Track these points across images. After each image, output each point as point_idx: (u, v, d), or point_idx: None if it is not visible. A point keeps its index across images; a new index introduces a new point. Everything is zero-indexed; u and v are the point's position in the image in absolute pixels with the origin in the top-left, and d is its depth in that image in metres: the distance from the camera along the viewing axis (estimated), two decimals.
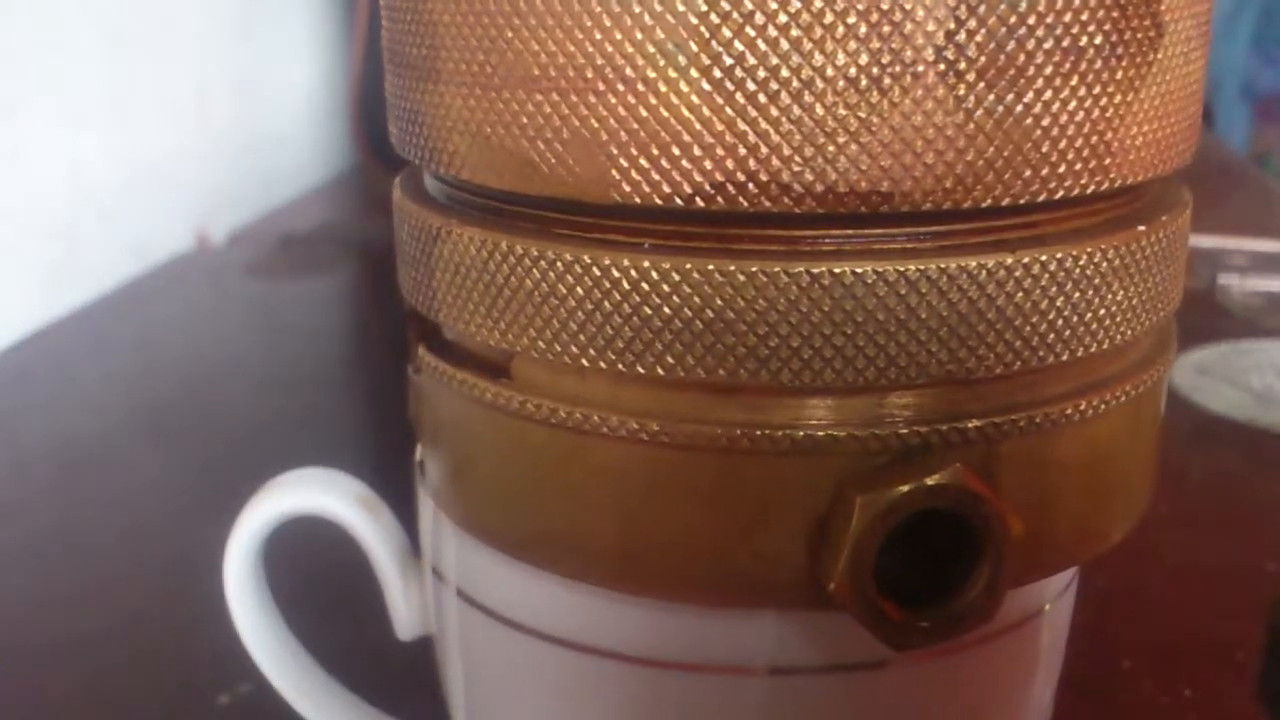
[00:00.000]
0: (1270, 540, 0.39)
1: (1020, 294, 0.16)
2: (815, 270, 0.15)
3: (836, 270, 0.15)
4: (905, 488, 0.15)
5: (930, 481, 0.15)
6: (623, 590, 0.18)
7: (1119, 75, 0.16)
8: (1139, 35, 0.16)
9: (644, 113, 0.15)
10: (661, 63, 0.15)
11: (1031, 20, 0.15)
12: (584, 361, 0.16)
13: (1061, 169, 0.16)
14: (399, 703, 0.26)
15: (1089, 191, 0.16)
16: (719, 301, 0.15)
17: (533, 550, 0.18)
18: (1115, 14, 0.16)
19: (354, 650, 0.25)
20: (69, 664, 0.32)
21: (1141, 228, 0.17)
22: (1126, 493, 0.18)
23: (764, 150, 0.15)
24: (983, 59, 0.15)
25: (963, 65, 0.15)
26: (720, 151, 0.15)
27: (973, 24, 0.15)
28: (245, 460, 0.44)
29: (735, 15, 0.14)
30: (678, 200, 0.15)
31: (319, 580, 0.28)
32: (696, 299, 0.15)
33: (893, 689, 0.19)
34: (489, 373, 0.18)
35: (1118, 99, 0.16)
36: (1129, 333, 0.17)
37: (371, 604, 0.24)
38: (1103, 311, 0.16)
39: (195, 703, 0.30)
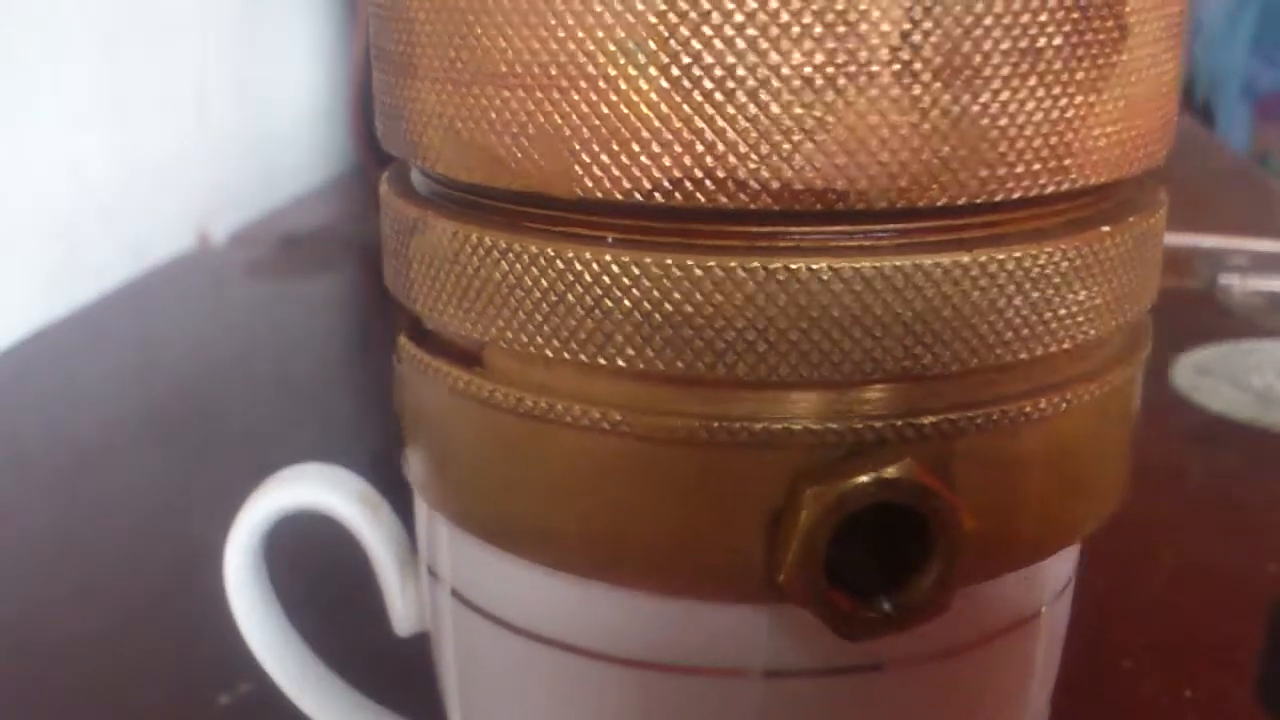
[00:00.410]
0: (1270, 540, 0.38)
1: (978, 293, 0.16)
2: (771, 266, 0.15)
3: (793, 266, 0.15)
4: (856, 480, 0.15)
5: (882, 475, 0.15)
6: (595, 579, 0.18)
7: (1079, 76, 0.16)
8: (1101, 37, 0.16)
9: (605, 109, 0.15)
10: (621, 61, 0.15)
11: (987, 21, 0.15)
12: (548, 352, 0.16)
13: (1019, 169, 0.16)
14: (400, 698, 0.26)
15: (1048, 191, 0.16)
16: (677, 295, 0.15)
17: (509, 538, 0.18)
18: (1075, 15, 0.16)
19: (355, 646, 0.25)
20: (69, 664, 0.32)
21: (1106, 228, 0.17)
22: (1093, 490, 0.18)
23: (720, 147, 0.15)
24: (938, 59, 0.15)
25: (918, 66, 0.15)
26: (678, 148, 0.15)
27: (928, 25, 0.15)
28: (245, 460, 0.44)
29: (692, 14, 0.15)
30: (638, 195, 0.15)
31: (320, 577, 0.28)
32: (656, 293, 0.16)
33: (888, 691, 0.19)
34: (463, 362, 0.18)
35: (1079, 100, 0.16)
36: (1092, 332, 0.17)
37: (372, 601, 0.24)
38: (1063, 311, 0.16)
39: (195, 703, 0.30)
